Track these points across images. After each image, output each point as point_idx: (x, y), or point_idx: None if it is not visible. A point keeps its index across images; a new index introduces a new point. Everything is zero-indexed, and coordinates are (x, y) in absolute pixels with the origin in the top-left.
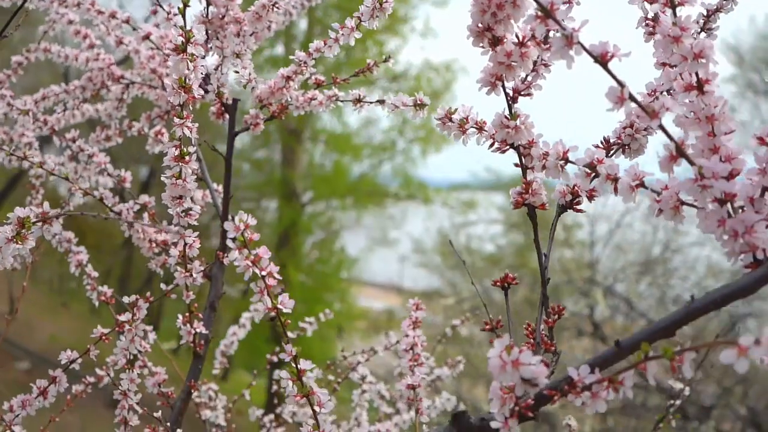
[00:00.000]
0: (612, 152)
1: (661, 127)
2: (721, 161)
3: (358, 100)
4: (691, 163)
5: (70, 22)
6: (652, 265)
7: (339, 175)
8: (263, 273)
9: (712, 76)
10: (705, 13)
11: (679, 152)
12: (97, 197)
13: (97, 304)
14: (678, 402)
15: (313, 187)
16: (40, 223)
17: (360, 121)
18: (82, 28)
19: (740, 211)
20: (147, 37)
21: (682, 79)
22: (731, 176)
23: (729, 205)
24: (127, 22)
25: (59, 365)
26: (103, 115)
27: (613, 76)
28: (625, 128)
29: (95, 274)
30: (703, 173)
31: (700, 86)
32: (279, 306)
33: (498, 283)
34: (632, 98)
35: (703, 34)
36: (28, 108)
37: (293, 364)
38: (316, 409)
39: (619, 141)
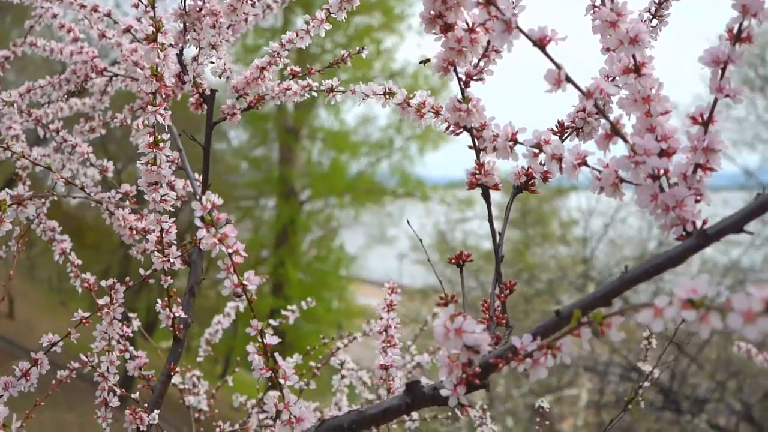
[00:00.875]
0: (566, 135)
1: (597, 107)
2: (657, 140)
3: (330, 90)
4: (626, 141)
5: (54, 16)
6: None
7: (337, 172)
8: (230, 251)
9: (648, 59)
10: (657, 0)
11: (614, 131)
12: (78, 186)
13: (80, 290)
14: (647, 384)
15: (311, 185)
16: (15, 206)
17: (357, 119)
18: (65, 22)
19: (675, 187)
20: (128, 29)
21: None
22: (667, 154)
23: (665, 180)
24: (108, 15)
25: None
26: (88, 108)
27: (551, 59)
28: (578, 112)
29: (79, 261)
30: (635, 150)
31: (637, 69)
32: (245, 283)
33: (453, 261)
34: (569, 80)
35: (654, 21)
36: (12, 100)
37: (259, 339)
38: (281, 381)
39: (573, 124)
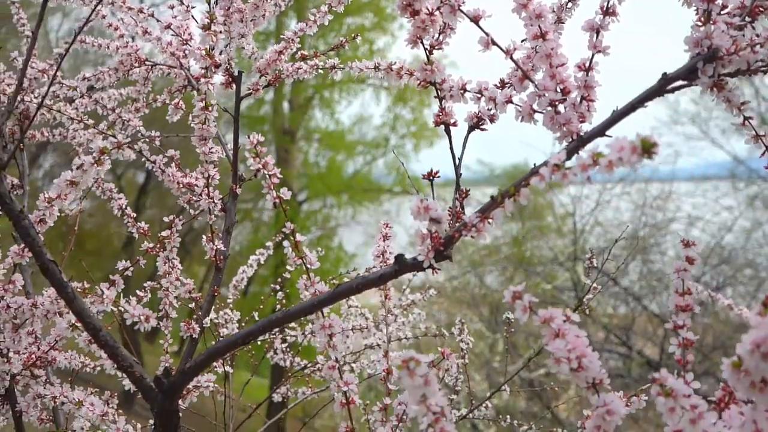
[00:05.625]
0: (506, 87)
1: (513, 60)
2: (556, 83)
3: (333, 67)
4: (532, 81)
5: (104, 16)
6: (633, 241)
7: (333, 172)
8: (270, 173)
9: (550, 28)
10: None
11: (524, 75)
12: (137, 149)
13: (136, 236)
14: (591, 296)
15: (308, 185)
16: (115, 149)
17: (352, 119)
18: (113, 21)
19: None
20: (168, 26)
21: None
22: (564, 92)
23: (561, 107)
24: (152, 15)
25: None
26: (133, 93)
27: (482, 29)
28: (513, 71)
29: (134, 214)
30: (538, 87)
31: (542, 35)
32: (281, 195)
33: (425, 177)
34: (494, 42)
35: (570, 3)
36: (75, 85)
37: (293, 237)
38: (308, 266)
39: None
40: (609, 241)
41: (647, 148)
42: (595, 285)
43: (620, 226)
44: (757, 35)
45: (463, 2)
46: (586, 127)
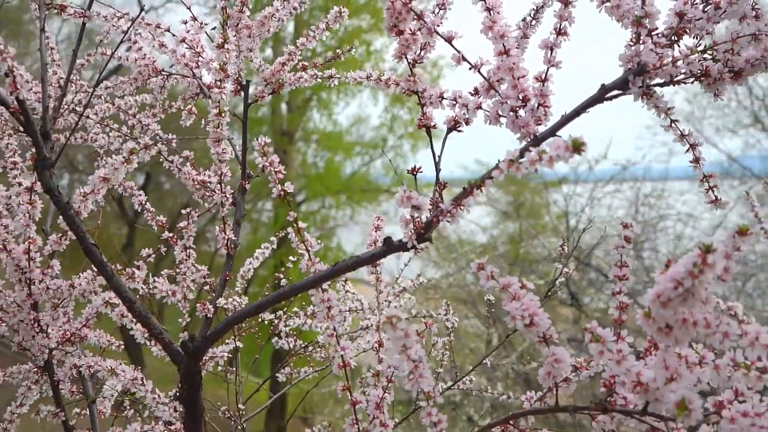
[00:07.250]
0: (477, 95)
1: (480, 73)
2: (518, 92)
3: (331, 77)
4: (497, 91)
5: (124, 32)
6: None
7: (331, 173)
8: (276, 170)
9: (513, 45)
10: (534, 8)
11: (489, 86)
12: (157, 149)
13: (156, 229)
14: (562, 281)
15: (306, 186)
16: (143, 149)
17: (350, 120)
18: (131, 36)
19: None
20: (183, 40)
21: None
22: (524, 100)
23: (521, 112)
24: (168, 30)
25: None
26: (149, 99)
27: (454, 48)
28: (482, 82)
29: (153, 210)
30: (501, 96)
31: (506, 51)
32: (285, 188)
33: (410, 172)
34: (464, 58)
35: (533, 21)
36: (100, 93)
37: (295, 224)
38: (309, 248)
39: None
40: (602, 238)
41: (577, 147)
42: (566, 270)
43: (615, 224)
44: (680, 52)
45: (440, 24)
46: (542, 129)
